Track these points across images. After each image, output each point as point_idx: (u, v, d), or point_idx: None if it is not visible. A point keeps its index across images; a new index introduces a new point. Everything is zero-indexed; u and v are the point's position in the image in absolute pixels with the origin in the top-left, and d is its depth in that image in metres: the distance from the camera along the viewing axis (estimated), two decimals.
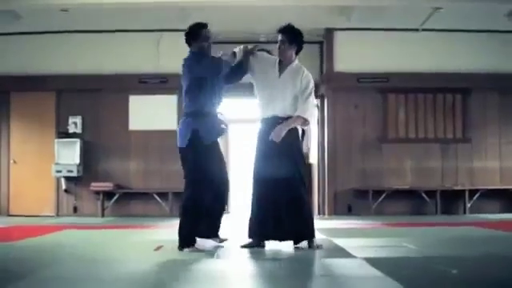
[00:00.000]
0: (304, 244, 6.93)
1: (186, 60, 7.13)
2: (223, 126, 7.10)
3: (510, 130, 14.59)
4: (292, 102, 7.00)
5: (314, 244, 6.93)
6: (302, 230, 6.91)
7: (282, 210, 6.85)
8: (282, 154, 6.88)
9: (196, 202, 6.85)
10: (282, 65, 7.18)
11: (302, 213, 6.90)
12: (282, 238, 6.98)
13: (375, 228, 10.56)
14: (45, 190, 14.40)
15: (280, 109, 7.00)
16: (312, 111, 7.12)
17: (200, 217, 6.88)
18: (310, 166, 16.21)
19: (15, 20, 13.23)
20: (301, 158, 7.14)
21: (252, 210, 7.07)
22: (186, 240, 6.81)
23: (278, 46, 7.17)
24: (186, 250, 6.74)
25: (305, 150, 16.77)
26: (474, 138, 14.50)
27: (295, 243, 6.97)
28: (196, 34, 7.24)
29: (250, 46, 7.28)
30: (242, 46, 7.26)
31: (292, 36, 7.19)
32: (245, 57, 7.20)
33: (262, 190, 6.95)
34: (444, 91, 14.51)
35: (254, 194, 7.08)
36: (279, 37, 7.18)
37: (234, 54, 7.14)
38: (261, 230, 6.97)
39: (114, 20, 13.83)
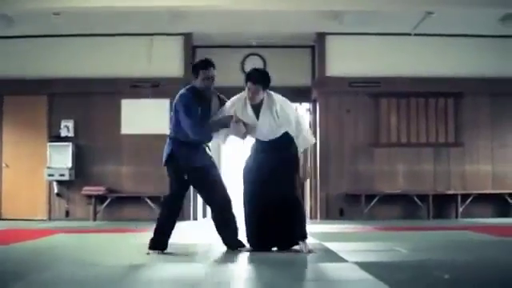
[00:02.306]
0: (298, 247, 6.97)
1: (184, 97, 7.32)
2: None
3: (501, 134, 14.61)
4: (277, 129, 7.07)
5: (306, 247, 6.97)
6: (297, 232, 6.97)
7: (278, 216, 6.93)
8: (275, 163, 7.02)
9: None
10: (256, 109, 7.12)
11: (297, 215, 6.98)
12: (280, 244, 7.10)
13: (367, 232, 10.56)
14: (37, 194, 14.36)
15: (269, 137, 7.14)
16: (307, 135, 7.27)
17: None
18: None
19: (7, 24, 13.21)
20: (293, 167, 7.22)
21: (248, 222, 7.16)
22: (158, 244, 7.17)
23: (250, 94, 7.01)
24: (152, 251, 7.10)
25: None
26: (466, 142, 14.52)
27: (291, 246, 7.06)
28: (197, 71, 7.38)
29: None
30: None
31: (265, 84, 7.04)
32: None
33: (255, 200, 7.03)
34: (436, 95, 14.52)
35: (247, 205, 7.15)
36: (250, 85, 6.98)
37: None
38: (260, 240, 7.07)
39: (106, 24, 13.82)
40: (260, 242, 7.07)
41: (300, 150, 7.28)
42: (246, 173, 7.25)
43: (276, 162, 7.03)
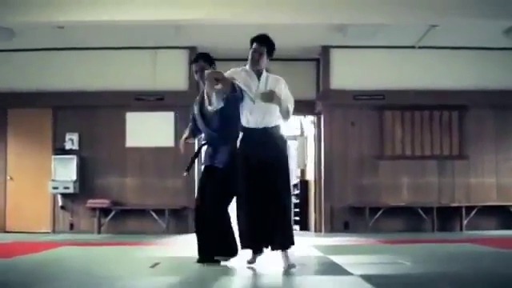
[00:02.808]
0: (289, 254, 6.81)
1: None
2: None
3: (506, 147, 14.61)
4: (274, 111, 6.93)
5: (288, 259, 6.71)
6: (287, 237, 6.77)
7: (270, 218, 6.71)
8: (267, 162, 6.77)
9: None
10: (257, 75, 7.06)
11: (287, 220, 6.85)
12: (271, 246, 6.82)
13: (372, 245, 10.54)
14: (41, 207, 14.38)
15: (264, 120, 6.92)
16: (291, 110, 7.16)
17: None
18: (306, 182, 16.27)
19: (11, 37, 13.24)
20: (286, 167, 7.00)
21: (240, 221, 6.93)
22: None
23: (254, 55, 7.01)
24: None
25: (301, 166, 16.88)
26: (471, 155, 14.51)
27: (278, 249, 6.80)
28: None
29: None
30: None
31: (270, 48, 7.07)
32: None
33: (249, 199, 6.82)
34: (440, 108, 14.52)
35: (241, 204, 6.94)
36: (255, 46, 7.01)
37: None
38: (252, 239, 6.85)
39: (111, 37, 13.87)
40: (252, 239, 6.85)
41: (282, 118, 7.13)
42: (240, 169, 6.97)
43: (269, 164, 6.78)
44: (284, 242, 6.74)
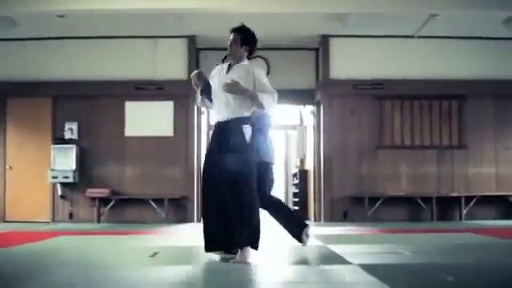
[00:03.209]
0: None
1: None
2: None
3: (505, 136, 14.60)
4: (239, 102, 6.51)
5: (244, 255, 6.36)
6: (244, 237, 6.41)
7: (227, 216, 6.41)
8: (226, 156, 6.42)
9: None
10: (231, 66, 6.75)
11: (242, 218, 6.41)
12: (228, 247, 6.55)
13: (371, 234, 10.54)
14: (41, 196, 14.38)
15: (227, 112, 6.56)
16: (269, 100, 6.59)
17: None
18: (305, 172, 16.27)
19: (11, 26, 13.22)
20: (248, 159, 6.53)
21: (203, 220, 6.67)
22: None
23: (228, 44, 6.75)
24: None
25: (300, 156, 16.86)
26: (470, 145, 14.51)
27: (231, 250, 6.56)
28: None
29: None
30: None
31: (245, 36, 6.77)
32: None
33: (208, 195, 6.54)
34: (440, 98, 14.52)
35: (202, 201, 6.71)
36: (231, 36, 6.76)
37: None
38: (211, 240, 6.56)
39: (111, 26, 13.84)
40: (214, 241, 6.56)
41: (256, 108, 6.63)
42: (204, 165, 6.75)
43: (223, 161, 6.42)
44: (242, 242, 6.41)
